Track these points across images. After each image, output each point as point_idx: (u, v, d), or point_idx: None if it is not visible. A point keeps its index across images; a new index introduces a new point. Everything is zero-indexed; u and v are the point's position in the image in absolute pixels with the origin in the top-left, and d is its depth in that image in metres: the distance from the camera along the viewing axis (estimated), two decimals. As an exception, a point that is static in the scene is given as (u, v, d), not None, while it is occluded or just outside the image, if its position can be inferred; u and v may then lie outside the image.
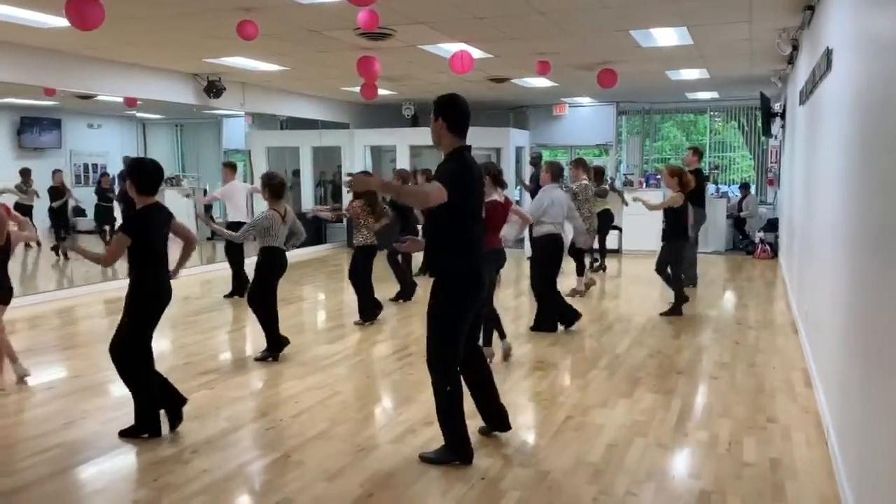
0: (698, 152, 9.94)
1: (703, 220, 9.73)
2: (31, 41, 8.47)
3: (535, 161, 14.08)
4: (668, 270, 8.01)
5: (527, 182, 13.27)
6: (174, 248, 4.57)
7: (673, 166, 8.53)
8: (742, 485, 3.74)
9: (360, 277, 7.61)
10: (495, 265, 5.79)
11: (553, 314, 7.16)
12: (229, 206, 9.50)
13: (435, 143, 3.97)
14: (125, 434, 4.42)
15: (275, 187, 6.15)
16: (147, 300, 4.35)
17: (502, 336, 6.13)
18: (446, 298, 3.88)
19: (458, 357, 3.95)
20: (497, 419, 4.32)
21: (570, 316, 7.20)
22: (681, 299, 7.93)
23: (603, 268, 11.11)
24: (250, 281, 6.42)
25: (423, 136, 15.12)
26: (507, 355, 6.10)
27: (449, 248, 3.89)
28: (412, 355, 6.38)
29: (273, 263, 6.16)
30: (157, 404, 4.42)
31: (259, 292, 6.21)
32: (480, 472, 3.92)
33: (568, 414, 4.81)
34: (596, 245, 10.58)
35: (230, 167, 9.80)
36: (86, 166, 15.09)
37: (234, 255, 9.11)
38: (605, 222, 10.94)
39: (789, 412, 4.86)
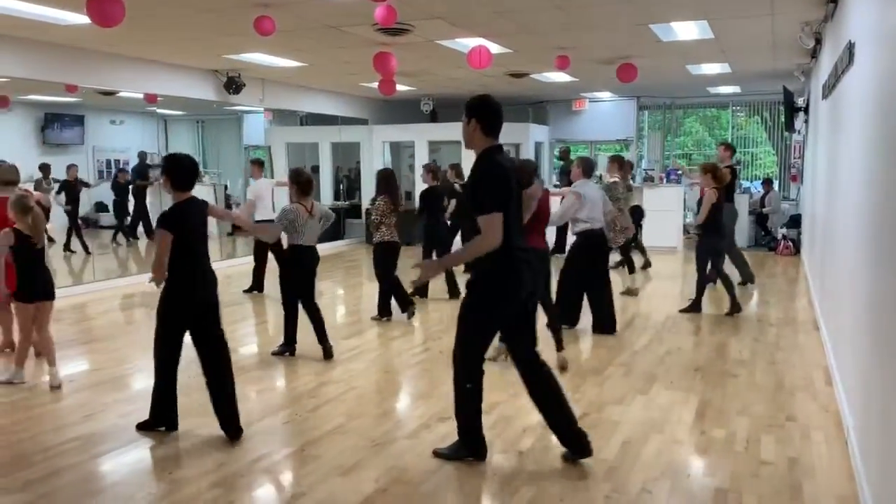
0: (730, 148, 9.79)
1: (736, 216, 9.61)
2: (53, 38, 8.57)
3: (564, 155, 14.01)
4: (711, 267, 7.83)
5: (556, 180, 13.19)
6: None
7: (706, 163, 8.40)
8: (759, 484, 3.70)
9: (379, 274, 7.60)
10: (542, 267, 5.51)
11: (575, 311, 7.02)
12: (258, 204, 9.22)
13: (466, 145, 3.90)
14: (142, 427, 4.46)
15: (302, 185, 6.10)
16: (177, 299, 4.29)
17: (559, 347, 5.79)
18: (478, 298, 3.81)
19: (482, 356, 3.89)
20: (573, 443, 3.97)
21: (608, 326, 6.96)
22: (702, 293, 7.81)
23: (641, 264, 10.97)
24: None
25: (441, 131, 15.17)
26: (563, 367, 5.68)
27: (487, 253, 3.72)
28: (429, 351, 6.39)
29: (295, 261, 6.13)
30: (171, 399, 4.43)
31: (282, 289, 6.25)
32: (494, 468, 3.92)
33: (584, 410, 4.78)
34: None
35: (258, 164, 9.64)
36: (108, 162, 15.25)
37: (260, 252, 9.13)
38: (636, 219, 10.82)
39: (809, 411, 4.79)
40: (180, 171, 4.34)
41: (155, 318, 4.36)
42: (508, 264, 3.74)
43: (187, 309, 4.33)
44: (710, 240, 7.69)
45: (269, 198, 9.41)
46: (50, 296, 5.52)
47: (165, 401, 4.43)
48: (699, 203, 7.90)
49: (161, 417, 4.45)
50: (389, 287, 7.60)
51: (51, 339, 5.53)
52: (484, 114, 3.81)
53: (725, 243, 8.38)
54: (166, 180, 4.32)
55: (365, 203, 15.20)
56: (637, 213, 10.85)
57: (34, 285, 5.38)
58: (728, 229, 8.54)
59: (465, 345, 3.90)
